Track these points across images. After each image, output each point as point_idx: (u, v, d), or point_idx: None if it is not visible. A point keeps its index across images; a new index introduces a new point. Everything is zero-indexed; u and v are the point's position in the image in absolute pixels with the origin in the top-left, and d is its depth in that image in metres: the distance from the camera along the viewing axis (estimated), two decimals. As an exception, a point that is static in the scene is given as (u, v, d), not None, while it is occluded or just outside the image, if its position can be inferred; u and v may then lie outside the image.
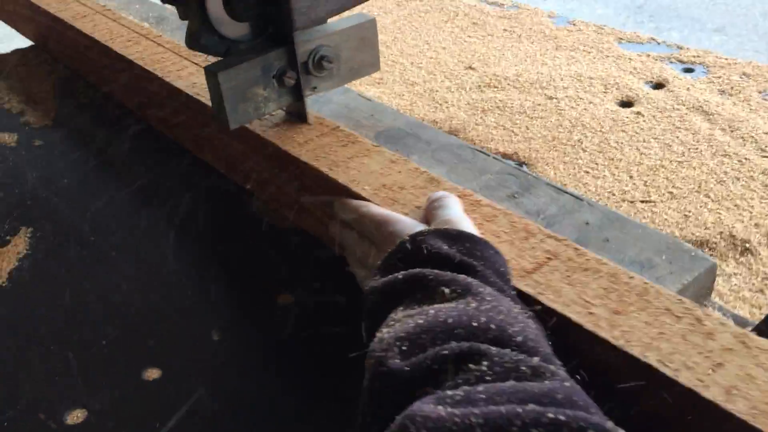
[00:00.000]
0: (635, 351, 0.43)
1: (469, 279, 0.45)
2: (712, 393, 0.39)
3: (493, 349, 0.39)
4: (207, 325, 0.64)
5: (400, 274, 0.47)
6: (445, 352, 0.39)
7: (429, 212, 0.57)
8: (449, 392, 0.37)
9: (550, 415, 0.33)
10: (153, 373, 0.60)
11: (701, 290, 0.58)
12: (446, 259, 0.48)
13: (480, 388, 0.36)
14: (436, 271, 0.46)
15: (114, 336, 0.64)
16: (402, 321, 0.43)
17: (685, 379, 0.40)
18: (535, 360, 0.38)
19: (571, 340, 0.46)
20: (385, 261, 0.51)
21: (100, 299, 0.68)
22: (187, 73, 0.86)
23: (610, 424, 0.33)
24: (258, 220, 0.77)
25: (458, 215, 0.55)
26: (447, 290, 0.45)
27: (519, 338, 0.40)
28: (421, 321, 0.42)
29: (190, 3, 0.65)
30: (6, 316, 0.67)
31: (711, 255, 0.66)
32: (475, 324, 0.41)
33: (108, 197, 0.83)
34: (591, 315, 0.46)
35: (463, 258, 0.47)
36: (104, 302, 0.68)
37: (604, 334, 0.44)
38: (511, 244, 0.54)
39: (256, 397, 0.57)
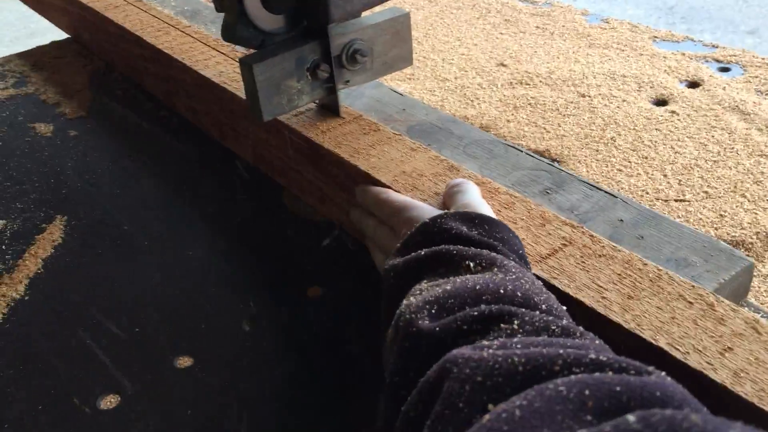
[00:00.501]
0: (646, 334, 0.43)
1: (493, 254, 0.46)
2: (720, 376, 0.40)
3: (523, 309, 0.39)
4: (238, 316, 0.64)
5: (422, 251, 0.48)
6: (475, 313, 0.40)
7: (447, 198, 0.58)
8: (485, 342, 0.37)
9: (592, 356, 0.33)
10: (185, 361, 0.60)
11: (738, 289, 0.57)
12: (467, 240, 0.48)
13: (515, 339, 0.36)
14: (459, 246, 0.47)
15: (147, 324, 0.65)
16: (428, 289, 0.44)
17: (694, 362, 0.41)
18: (564, 321, 0.39)
19: (583, 324, 0.46)
20: (404, 243, 0.51)
21: (133, 288, 0.69)
22: (215, 62, 0.87)
23: (652, 368, 0.33)
24: (288, 212, 0.78)
25: (477, 200, 0.56)
26: (472, 264, 0.45)
27: (544, 306, 0.41)
28: (448, 287, 0.42)
29: (226, -5, 0.65)
30: (41, 303, 0.68)
31: (747, 255, 0.65)
32: (502, 291, 0.41)
33: (142, 187, 0.84)
34: (604, 299, 0.47)
35: (483, 239, 0.48)
36: (137, 291, 0.69)
37: (616, 317, 0.45)
38: (527, 230, 0.55)
39: (286, 388, 0.58)
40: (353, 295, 0.66)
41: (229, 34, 0.68)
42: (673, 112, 0.95)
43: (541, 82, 1.06)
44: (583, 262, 0.51)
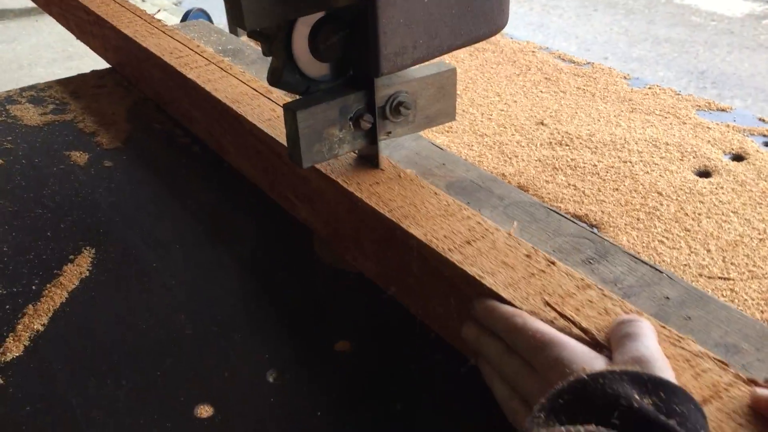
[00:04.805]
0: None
1: None
2: (363, 195, 0.66)
3: None
4: (263, 366, 0.63)
5: (579, 429, 0.38)
6: None
7: (614, 340, 0.48)
8: None
9: None
10: (205, 411, 0.58)
11: (790, 382, 0.54)
12: (638, 416, 0.38)
13: None
14: None
15: (169, 367, 0.63)
16: None
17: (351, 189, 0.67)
18: None
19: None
20: (553, 399, 0.42)
21: (157, 328, 0.68)
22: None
23: None
24: (319, 261, 0.76)
25: (653, 351, 0.46)
26: None
27: None
28: None
29: (276, 41, 0.65)
30: (64, 337, 0.67)
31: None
32: None
33: (172, 224, 0.83)
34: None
35: (659, 417, 0.38)
36: (161, 332, 0.67)
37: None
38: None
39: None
40: (383, 351, 0.64)
41: (275, 78, 0.67)
42: (717, 184, 0.93)
43: (581, 144, 1.05)
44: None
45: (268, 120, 0.82)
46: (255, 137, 0.82)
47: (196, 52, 1.04)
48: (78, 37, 1.41)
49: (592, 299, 0.52)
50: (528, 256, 0.57)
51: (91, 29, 1.30)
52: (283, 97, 0.88)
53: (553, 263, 0.56)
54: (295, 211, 0.80)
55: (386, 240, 0.65)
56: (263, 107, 0.85)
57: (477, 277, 0.55)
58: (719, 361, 0.47)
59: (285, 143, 0.75)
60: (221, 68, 0.97)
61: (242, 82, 0.93)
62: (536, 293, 0.53)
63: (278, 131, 0.79)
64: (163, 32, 1.13)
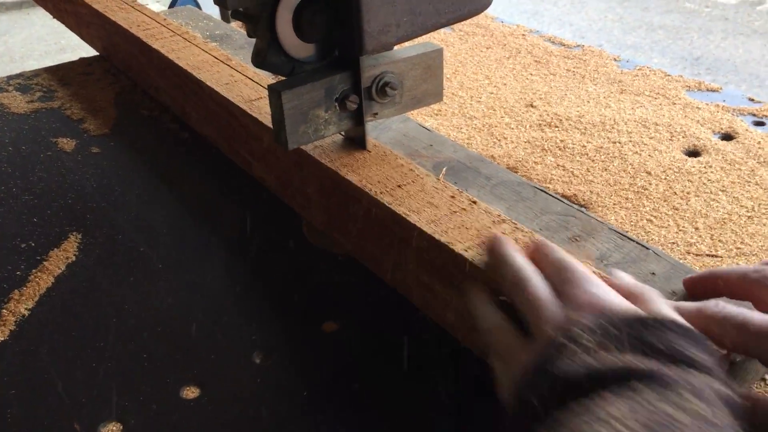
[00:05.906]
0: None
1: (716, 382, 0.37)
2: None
3: None
4: (250, 348, 0.62)
5: (639, 359, 0.37)
6: None
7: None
8: None
9: None
10: (191, 392, 0.58)
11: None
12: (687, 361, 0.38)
13: None
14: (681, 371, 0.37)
15: (155, 350, 0.63)
16: (630, 424, 0.33)
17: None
18: None
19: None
20: (605, 333, 0.40)
21: (144, 312, 0.67)
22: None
23: None
24: (307, 243, 0.76)
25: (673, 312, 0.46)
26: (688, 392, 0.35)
27: None
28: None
29: (260, 21, 0.64)
30: (49, 321, 0.67)
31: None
32: None
33: (160, 210, 0.83)
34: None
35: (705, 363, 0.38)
36: (148, 315, 0.67)
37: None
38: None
39: (294, 427, 0.55)
40: (370, 332, 0.64)
41: (259, 59, 0.67)
42: (705, 163, 0.92)
43: (570, 125, 1.04)
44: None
45: (226, 84, 0.87)
46: (213, 101, 0.88)
47: (162, 25, 1.09)
48: (54, 16, 1.44)
49: (504, 231, 0.59)
50: (452, 197, 0.63)
51: (65, 7, 1.34)
52: (242, 63, 0.93)
53: (475, 203, 0.63)
54: (251, 169, 0.86)
55: (327, 188, 0.70)
56: (222, 73, 0.91)
57: (404, 216, 0.61)
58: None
59: (240, 105, 0.82)
60: (185, 39, 1.03)
61: (204, 51, 0.98)
62: (455, 227, 0.59)
63: (234, 94, 0.84)
64: (132, 7, 1.18)
